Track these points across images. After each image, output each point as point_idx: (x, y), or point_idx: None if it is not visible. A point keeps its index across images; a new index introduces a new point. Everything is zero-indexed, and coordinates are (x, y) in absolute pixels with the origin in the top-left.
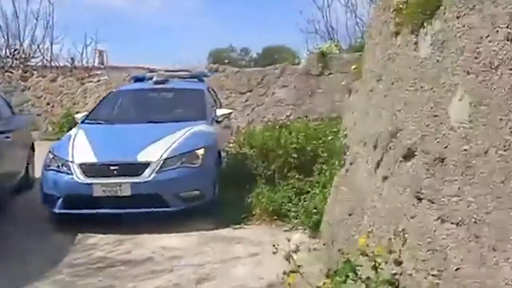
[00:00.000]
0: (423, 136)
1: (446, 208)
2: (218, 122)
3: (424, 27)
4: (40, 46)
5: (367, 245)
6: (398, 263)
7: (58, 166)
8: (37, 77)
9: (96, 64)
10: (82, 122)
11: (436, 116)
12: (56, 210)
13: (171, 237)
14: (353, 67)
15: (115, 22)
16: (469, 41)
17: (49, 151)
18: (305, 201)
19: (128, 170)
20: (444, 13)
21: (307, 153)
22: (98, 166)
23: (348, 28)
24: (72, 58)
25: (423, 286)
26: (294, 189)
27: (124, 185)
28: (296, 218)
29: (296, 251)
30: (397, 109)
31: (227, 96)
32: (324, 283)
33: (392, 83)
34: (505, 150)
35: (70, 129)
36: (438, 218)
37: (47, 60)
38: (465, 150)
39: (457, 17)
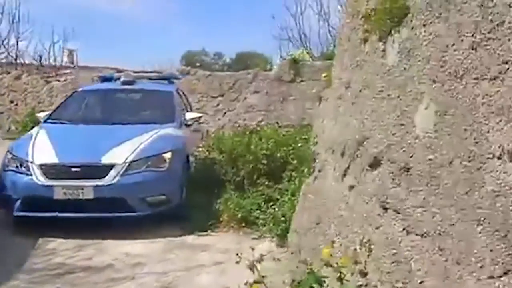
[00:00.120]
0: (389, 145)
1: (411, 219)
2: (187, 125)
3: (392, 34)
4: (5, 42)
5: (331, 255)
6: (364, 274)
7: (17, 167)
8: (0, 73)
9: (65, 63)
10: (45, 121)
11: (402, 124)
12: (15, 213)
13: (135, 244)
14: (323, 74)
15: (88, 22)
16: (435, 50)
17: (8, 151)
18: (273, 208)
19: (91, 172)
20: (411, 21)
21: (277, 160)
22: (59, 167)
23: (320, 36)
24: (40, 56)
25: None
26: (263, 196)
27: (86, 188)
28: (264, 226)
29: (260, 260)
30: (364, 117)
31: (198, 100)
32: None
33: (360, 91)
34: (469, 161)
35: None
36: (403, 229)
37: (12, 56)
38: (430, 160)
39: (424, 25)
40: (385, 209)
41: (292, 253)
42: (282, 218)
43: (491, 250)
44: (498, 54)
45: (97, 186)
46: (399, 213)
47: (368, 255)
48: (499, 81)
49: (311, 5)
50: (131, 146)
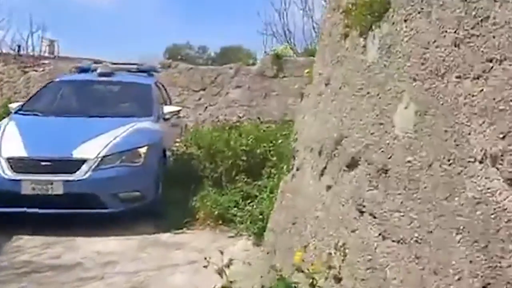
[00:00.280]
0: (367, 145)
1: (388, 224)
2: (165, 119)
3: (372, 30)
4: None
5: (303, 261)
6: (338, 279)
7: None
8: None
9: (46, 54)
10: (16, 112)
11: (381, 124)
12: None
13: (107, 241)
14: (306, 70)
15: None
16: (416, 46)
17: None
18: (251, 206)
19: (62, 166)
20: (392, 16)
21: (256, 156)
22: (28, 161)
23: (304, 32)
24: (18, 46)
25: None
26: (242, 193)
27: (56, 183)
28: (242, 224)
29: (229, 265)
30: (343, 115)
31: (179, 94)
32: None
33: (340, 88)
34: (449, 164)
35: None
36: (379, 234)
37: None
38: (408, 162)
39: (405, 21)
40: (361, 212)
41: (267, 253)
42: (260, 216)
43: (470, 262)
44: (482, 51)
45: (67, 181)
46: (375, 217)
47: (343, 260)
48: (483, 80)
49: (296, 1)
50: (105, 140)
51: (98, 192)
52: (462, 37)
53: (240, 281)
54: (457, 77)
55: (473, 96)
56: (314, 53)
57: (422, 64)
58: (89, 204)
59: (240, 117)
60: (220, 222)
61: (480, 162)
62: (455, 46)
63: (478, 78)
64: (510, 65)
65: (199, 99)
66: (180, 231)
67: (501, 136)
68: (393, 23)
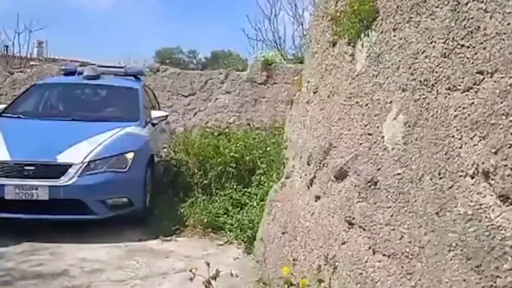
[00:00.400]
0: (356, 156)
1: (378, 237)
2: (153, 124)
3: (360, 38)
4: None
5: (292, 274)
6: None
7: None
8: None
9: (34, 55)
10: None
11: (370, 134)
12: None
13: (94, 248)
14: (295, 78)
15: (62, 15)
16: (405, 56)
17: None
18: (241, 214)
19: (46, 171)
20: (381, 24)
21: (246, 163)
22: (11, 165)
23: (295, 38)
24: (6, 46)
25: None
26: (231, 200)
27: (41, 188)
28: (231, 231)
29: (216, 276)
30: (331, 124)
31: (168, 98)
32: None
33: (328, 96)
34: (440, 178)
35: None
36: (369, 248)
37: None
38: (398, 174)
39: (394, 29)
40: (351, 224)
41: (258, 262)
42: (249, 224)
43: (464, 280)
44: (472, 63)
45: (52, 186)
46: (365, 229)
47: (333, 273)
48: (473, 93)
49: (286, 7)
50: (91, 144)
51: (85, 198)
52: (452, 48)
53: None
54: (447, 89)
55: (463, 108)
56: (304, 60)
57: (412, 74)
58: (76, 210)
59: (230, 123)
60: (210, 229)
61: (472, 177)
62: (445, 56)
63: (468, 90)
64: (501, 77)
65: (188, 104)
66: (169, 238)
67: (493, 151)
68: (382, 32)
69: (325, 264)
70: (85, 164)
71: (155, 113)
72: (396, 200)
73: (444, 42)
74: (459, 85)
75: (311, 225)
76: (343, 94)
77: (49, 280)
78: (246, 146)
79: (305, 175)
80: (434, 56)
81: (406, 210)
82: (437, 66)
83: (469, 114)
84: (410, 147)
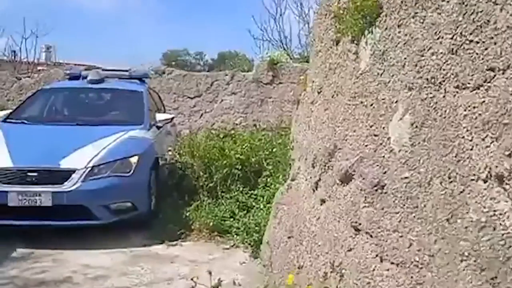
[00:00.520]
0: (361, 158)
1: (385, 245)
2: (158, 127)
3: (364, 35)
4: None
5: (294, 284)
6: None
7: None
8: None
9: (42, 60)
10: (3, 120)
11: (375, 135)
12: None
13: (98, 254)
14: (301, 77)
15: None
16: (410, 53)
17: None
18: (247, 217)
19: (49, 177)
20: (385, 21)
21: (252, 165)
22: (14, 172)
23: (301, 38)
24: (13, 51)
25: None
26: (238, 203)
27: (44, 194)
28: (238, 235)
29: (219, 285)
30: (336, 125)
31: (174, 100)
32: None
33: (332, 96)
34: (450, 182)
35: None
36: (377, 255)
37: None
38: (406, 177)
39: (399, 26)
40: (357, 230)
41: (264, 266)
42: (256, 228)
43: None
44: (482, 59)
45: (55, 192)
46: (371, 236)
47: (340, 280)
48: (484, 91)
49: (291, 6)
50: (94, 149)
51: (88, 203)
52: (460, 44)
53: None
54: (455, 87)
55: (473, 107)
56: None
57: (418, 72)
58: (79, 216)
59: (236, 124)
60: (216, 233)
61: (484, 181)
62: (453, 53)
63: (478, 88)
64: None
65: (194, 106)
66: (174, 242)
67: (507, 153)
68: (386, 28)
69: (331, 272)
70: (89, 169)
71: (160, 116)
72: (404, 205)
73: (452, 38)
74: (469, 83)
75: (317, 229)
76: (347, 94)
77: (52, 287)
78: (251, 147)
79: (310, 177)
80: (441, 53)
81: (414, 216)
82: (444, 63)
83: (480, 114)
84: (417, 149)
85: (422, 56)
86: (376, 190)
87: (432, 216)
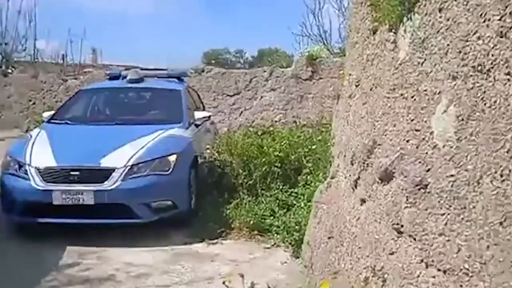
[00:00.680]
0: (402, 155)
1: (431, 249)
2: (196, 125)
3: (403, 23)
4: (23, 42)
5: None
6: None
7: (16, 170)
8: (18, 73)
9: (89, 62)
10: (48, 121)
11: (417, 130)
12: (14, 218)
13: (139, 252)
14: (341, 71)
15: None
16: (454, 39)
17: (7, 153)
18: (287, 215)
19: (91, 176)
20: (425, 6)
21: (291, 163)
22: (58, 171)
23: (341, 32)
24: (62, 55)
25: None
26: (278, 201)
27: (86, 193)
28: (278, 234)
29: None
30: (375, 120)
31: (214, 98)
32: None
33: (371, 89)
34: (502, 181)
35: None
36: (422, 261)
37: (30, 55)
38: (451, 175)
39: (440, 10)
40: (399, 232)
41: (305, 267)
42: (296, 227)
43: None
44: None
45: (97, 191)
46: (415, 239)
47: (382, 286)
48: None
49: (331, 0)
50: (133, 148)
51: (129, 201)
52: (510, 26)
53: None
54: (506, 74)
55: None
56: None
57: (462, 59)
58: (121, 214)
59: (276, 121)
60: (256, 232)
61: None
62: (501, 36)
63: None
64: None
65: (234, 103)
66: (215, 241)
67: None
68: (426, 14)
69: (372, 276)
70: (128, 167)
71: (198, 114)
72: (450, 206)
73: (500, 19)
74: None
75: (357, 231)
76: (386, 86)
77: (95, 286)
78: (290, 144)
79: (349, 175)
80: (488, 37)
81: (462, 219)
82: (492, 48)
83: None
84: (464, 144)
85: (467, 41)
86: (419, 189)
87: (483, 219)
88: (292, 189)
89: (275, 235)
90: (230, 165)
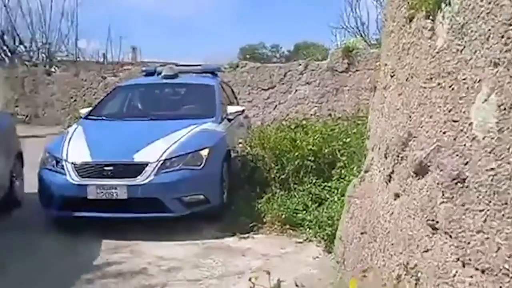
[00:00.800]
0: (439, 147)
1: (468, 247)
2: (229, 120)
3: (441, 9)
4: (65, 41)
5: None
6: None
7: (53, 165)
8: (60, 71)
9: (128, 60)
10: (85, 117)
11: (455, 121)
12: (51, 212)
13: (171, 246)
14: (378, 63)
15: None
16: (495, 23)
17: (45, 149)
18: (319, 210)
19: (124, 171)
20: None
21: (325, 156)
22: (92, 166)
23: (378, 23)
24: (104, 54)
25: None
26: (311, 195)
27: (120, 188)
28: (311, 229)
29: (278, 287)
30: (411, 111)
31: (248, 93)
32: None
33: (407, 79)
34: None
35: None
36: (458, 259)
37: (72, 54)
38: (491, 169)
39: None
40: (435, 229)
41: (337, 262)
42: (328, 221)
43: None
44: None
45: (130, 185)
46: (451, 236)
47: (416, 285)
48: None
49: None
50: (166, 143)
51: (161, 196)
52: None
53: None
54: None
55: None
56: None
57: (505, 44)
58: (153, 208)
59: (311, 115)
60: (288, 226)
61: None
62: None
63: None
64: None
65: (268, 97)
66: (246, 235)
67: None
68: None
69: (405, 274)
70: (161, 162)
71: (231, 109)
72: (490, 202)
73: None
74: None
75: (391, 226)
76: (422, 76)
77: (128, 279)
78: (324, 138)
79: (383, 169)
80: None
81: (503, 215)
82: None
83: None
84: (506, 135)
85: (510, 25)
86: (456, 183)
87: None
88: (326, 183)
89: (307, 229)
90: (262, 159)
